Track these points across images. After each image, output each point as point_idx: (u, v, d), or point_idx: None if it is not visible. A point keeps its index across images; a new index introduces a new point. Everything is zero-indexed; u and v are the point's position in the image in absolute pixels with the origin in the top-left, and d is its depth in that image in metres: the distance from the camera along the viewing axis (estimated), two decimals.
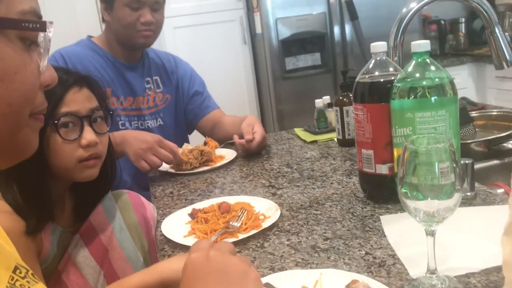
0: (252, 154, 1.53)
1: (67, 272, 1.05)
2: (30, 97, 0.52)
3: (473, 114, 1.50)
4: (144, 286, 0.79)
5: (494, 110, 1.56)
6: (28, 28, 0.50)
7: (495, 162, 1.26)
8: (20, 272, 0.54)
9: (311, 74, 2.87)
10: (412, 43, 0.85)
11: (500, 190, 1.04)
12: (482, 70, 3.17)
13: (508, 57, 1.14)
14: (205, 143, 1.52)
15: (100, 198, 1.12)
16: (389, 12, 2.80)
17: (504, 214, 0.54)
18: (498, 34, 1.13)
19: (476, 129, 1.44)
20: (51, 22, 0.53)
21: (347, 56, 2.86)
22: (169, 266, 0.78)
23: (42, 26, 0.52)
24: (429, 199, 0.64)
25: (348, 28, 2.81)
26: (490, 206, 0.92)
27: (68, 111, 0.97)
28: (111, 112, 1.08)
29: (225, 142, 1.65)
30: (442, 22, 3.41)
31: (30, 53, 0.52)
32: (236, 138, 1.51)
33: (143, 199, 1.13)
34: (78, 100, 0.99)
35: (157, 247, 1.00)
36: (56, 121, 0.95)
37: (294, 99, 2.86)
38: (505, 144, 1.31)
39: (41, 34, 0.53)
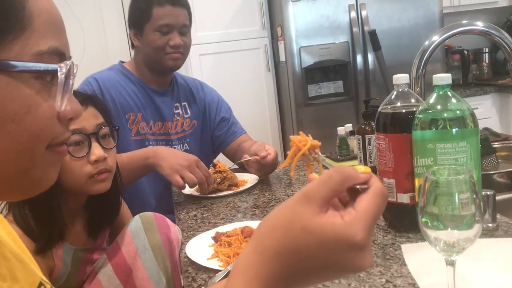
0: (265, 173, 1.55)
1: None
2: (43, 134, 0.50)
3: (496, 145, 1.50)
4: None
5: None
6: (38, 71, 0.48)
7: None
8: None
9: (333, 101, 2.89)
10: (434, 76, 0.87)
11: None
12: (506, 101, 3.15)
13: None
14: (214, 166, 1.51)
15: (111, 214, 1.15)
16: (411, 42, 2.84)
17: None
18: None
19: (499, 160, 1.44)
20: (67, 64, 0.51)
21: (369, 85, 2.87)
22: None
23: (53, 70, 0.50)
24: (449, 229, 0.65)
25: (370, 57, 2.83)
26: None
27: (74, 129, 1.01)
28: (116, 128, 1.12)
29: (236, 163, 1.64)
30: (465, 52, 3.40)
31: (51, 88, 0.50)
32: (247, 157, 1.51)
33: (168, 220, 1.16)
34: (84, 118, 1.03)
35: (181, 269, 1.02)
36: None
37: (316, 126, 2.87)
38: None
39: (63, 70, 0.50)
